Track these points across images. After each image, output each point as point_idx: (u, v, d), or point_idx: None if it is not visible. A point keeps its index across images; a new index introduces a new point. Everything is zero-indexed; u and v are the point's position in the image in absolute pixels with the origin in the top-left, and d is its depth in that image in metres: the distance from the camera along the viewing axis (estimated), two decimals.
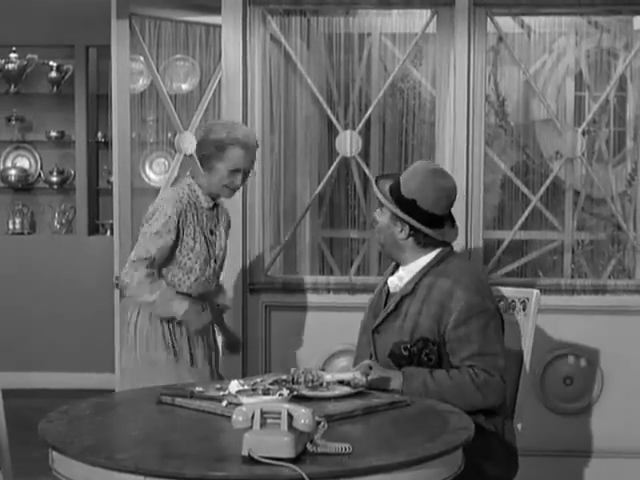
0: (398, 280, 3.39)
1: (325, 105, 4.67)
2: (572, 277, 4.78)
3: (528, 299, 3.62)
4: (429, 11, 4.57)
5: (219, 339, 4.10)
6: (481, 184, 4.54)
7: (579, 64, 4.95)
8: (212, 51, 5.10)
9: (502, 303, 3.63)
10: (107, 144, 7.26)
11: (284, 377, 3.12)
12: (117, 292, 4.68)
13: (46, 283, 7.33)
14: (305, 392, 2.97)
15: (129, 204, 4.78)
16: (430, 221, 3.32)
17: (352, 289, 4.58)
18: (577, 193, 4.91)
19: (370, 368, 3.16)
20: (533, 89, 4.81)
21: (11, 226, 7.62)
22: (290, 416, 2.39)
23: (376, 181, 3.46)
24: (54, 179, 7.63)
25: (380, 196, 3.37)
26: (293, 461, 2.34)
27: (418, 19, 4.67)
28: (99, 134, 7.58)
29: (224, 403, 2.86)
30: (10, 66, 7.49)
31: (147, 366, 3.80)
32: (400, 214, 3.31)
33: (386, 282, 3.45)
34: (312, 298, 4.59)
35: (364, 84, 5.03)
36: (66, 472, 2.57)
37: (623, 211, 4.89)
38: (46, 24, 7.21)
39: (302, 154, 5.00)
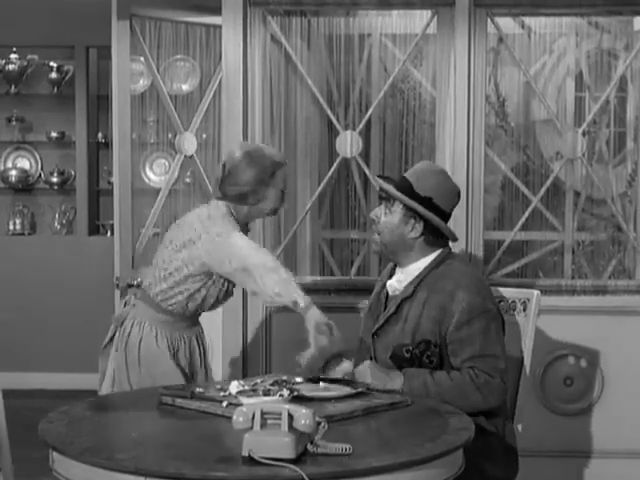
0: (397, 283, 3.39)
1: (325, 106, 4.67)
2: (572, 278, 4.78)
3: (528, 300, 3.62)
4: (429, 12, 4.57)
5: None
6: (481, 185, 4.53)
7: (579, 65, 4.95)
8: (212, 52, 5.10)
9: (502, 304, 3.63)
10: (107, 145, 7.27)
11: (284, 378, 3.12)
12: (117, 293, 4.67)
13: (46, 284, 7.34)
14: (305, 393, 2.97)
15: (129, 205, 4.78)
16: (443, 219, 3.35)
17: (353, 290, 4.58)
18: (577, 194, 4.91)
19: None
20: (533, 90, 4.81)
21: (11, 227, 7.63)
22: (290, 417, 2.39)
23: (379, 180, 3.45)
24: (54, 180, 7.64)
25: (394, 192, 3.35)
26: (293, 462, 2.34)
27: (418, 20, 4.67)
28: (99, 135, 7.59)
29: (224, 404, 2.86)
30: (10, 67, 7.50)
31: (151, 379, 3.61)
32: (420, 209, 3.30)
33: (384, 286, 3.44)
34: (312, 299, 4.57)
35: (364, 85, 5.03)
36: (66, 473, 2.57)
37: (623, 212, 4.89)
38: (46, 25, 7.22)
39: (302, 155, 5.00)
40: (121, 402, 3.20)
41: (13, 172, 7.65)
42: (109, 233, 7.35)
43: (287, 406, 2.44)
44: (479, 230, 4.54)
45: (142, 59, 5.05)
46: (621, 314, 4.52)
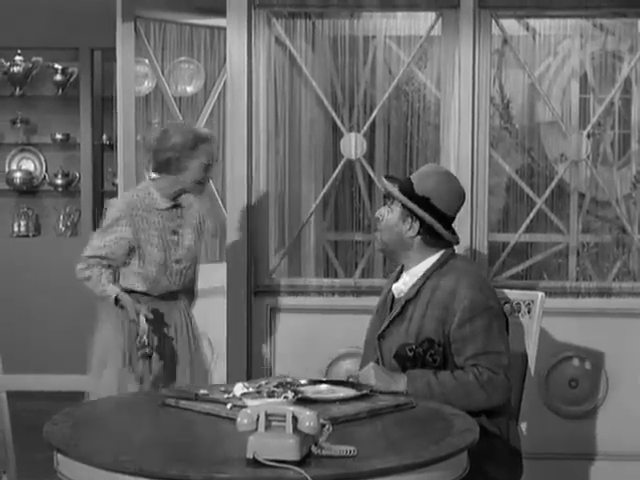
0: (403, 285, 3.39)
1: (330, 108, 4.67)
2: (577, 280, 4.77)
3: (533, 302, 3.61)
4: (434, 13, 4.57)
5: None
6: (486, 187, 4.53)
7: (584, 66, 4.95)
8: (217, 54, 5.11)
9: (507, 306, 3.62)
10: (112, 147, 7.26)
11: (289, 380, 3.12)
12: None
13: (51, 285, 7.33)
14: (310, 395, 2.97)
15: None
16: (441, 220, 3.33)
17: (357, 292, 4.58)
18: (582, 196, 4.90)
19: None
20: (538, 91, 4.80)
21: (16, 229, 7.63)
22: (295, 419, 2.39)
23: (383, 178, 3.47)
24: (59, 182, 7.64)
25: (392, 190, 3.37)
26: (298, 464, 2.34)
27: (423, 21, 4.67)
28: (104, 137, 7.59)
29: (229, 406, 2.86)
30: (15, 69, 7.50)
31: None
32: (415, 208, 3.31)
33: (390, 289, 3.45)
34: (317, 301, 4.59)
35: (369, 87, 5.02)
36: (71, 474, 2.57)
37: (628, 214, 4.88)
38: (51, 27, 7.22)
39: (307, 157, 5.00)
40: (125, 404, 3.20)
41: (18, 174, 7.65)
42: None
43: (291, 408, 2.44)
44: (484, 232, 4.54)
45: (147, 61, 5.06)
46: (626, 316, 4.52)
